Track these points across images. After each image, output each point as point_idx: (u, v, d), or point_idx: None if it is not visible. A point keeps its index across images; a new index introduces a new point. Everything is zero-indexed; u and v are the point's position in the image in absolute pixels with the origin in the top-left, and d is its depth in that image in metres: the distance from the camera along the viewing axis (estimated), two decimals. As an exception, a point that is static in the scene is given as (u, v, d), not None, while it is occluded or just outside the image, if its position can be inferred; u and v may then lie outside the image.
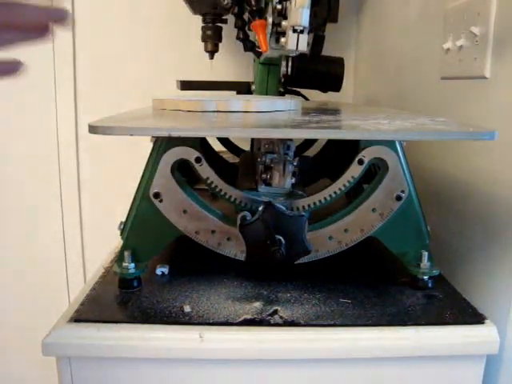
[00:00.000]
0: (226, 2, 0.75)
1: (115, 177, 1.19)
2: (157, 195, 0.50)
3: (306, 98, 0.95)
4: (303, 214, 0.50)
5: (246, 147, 0.87)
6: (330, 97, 0.97)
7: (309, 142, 0.82)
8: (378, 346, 0.45)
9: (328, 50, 0.78)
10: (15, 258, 1.22)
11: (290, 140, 0.53)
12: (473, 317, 0.47)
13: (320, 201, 0.52)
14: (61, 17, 0.36)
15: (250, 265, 0.52)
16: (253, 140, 0.82)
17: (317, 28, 0.67)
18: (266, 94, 0.85)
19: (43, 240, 1.22)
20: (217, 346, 0.44)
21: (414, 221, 0.52)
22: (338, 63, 0.85)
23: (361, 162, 0.50)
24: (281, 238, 0.49)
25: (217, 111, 0.55)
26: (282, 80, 0.85)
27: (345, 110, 0.71)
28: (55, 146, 1.17)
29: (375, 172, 0.52)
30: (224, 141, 0.86)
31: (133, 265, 0.51)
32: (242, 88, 0.91)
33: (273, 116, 0.54)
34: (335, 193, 0.51)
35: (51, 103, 1.15)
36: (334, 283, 0.54)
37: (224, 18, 0.86)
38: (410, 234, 0.53)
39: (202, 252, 0.52)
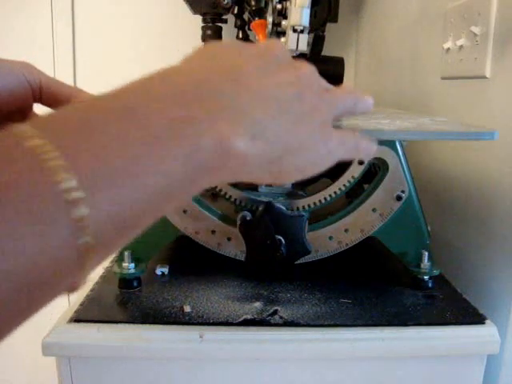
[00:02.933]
0: (225, 2, 0.75)
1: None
2: (157, 195, 0.50)
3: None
4: (303, 213, 0.50)
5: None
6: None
7: (309, 142, 0.82)
8: (378, 346, 0.45)
9: (328, 50, 0.78)
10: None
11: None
12: (473, 317, 0.47)
13: (320, 201, 0.52)
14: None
15: (250, 265, 0.52)
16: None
17: (317, 28, 0.66)
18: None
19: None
20: (217, 346, 0.44)
21: (414, 221, 0.52)
22: (338, 63, 0.85)
23: (361, 162, 0.50)
24: (281, 237, 0.49)
25: None
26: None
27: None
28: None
29: (375, 172, 0.52)
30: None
31: (133, 265, 0.51)
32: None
33: None
34: (335, 193, 0.51)
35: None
36: (334, 283, 0.54)
37: (224, 17, 0.86)
38: (410, 234, 0.52)
39: (202, 252, 0.52)
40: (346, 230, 0.52)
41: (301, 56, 0.70)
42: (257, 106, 0.24)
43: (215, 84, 0.23)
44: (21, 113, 0.36)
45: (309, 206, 0.52)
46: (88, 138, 0.18)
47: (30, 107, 0.36)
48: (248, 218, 0.49)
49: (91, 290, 0.51)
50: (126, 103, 0.20)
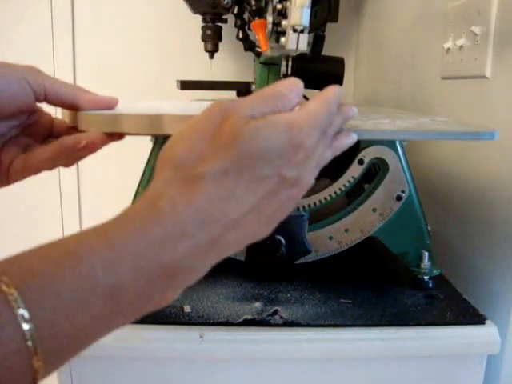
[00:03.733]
0: (225, 2, 0.75)
1: (115, 177, 1.19)
2: (157, 195, 0.50)
3: (307, 98, 0.94)
4: (303, 213, 0.50)
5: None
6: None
7: (309, 142, 0.82)
8: (378, 346, 0.45)
9: (328, 50, 0.78)
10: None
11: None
12: (474, 317, 0.47)
13: (320, 201, 0.51)
14: None
15: (250, 265, 0.52)
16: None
17: (317, 28, 0.66)
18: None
19: (43, 241, 1.21)
20: (217, 346, 0.44)
21: (414, 221, 0.52)
22: (339, 63, 0.85)
23: (361, 162, 0.50)
24: (281, 238, 0.49)
25: None
26: (282, 80, 0.85)
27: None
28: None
29: (375, 172, 0.52)
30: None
31: (133, 265, 0.51)
32: (242, 88, 0.91)
33: None
34: (335, 193, 0.51)
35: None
36: (334, 283, 0.54)
37: (224, 17, 0.86)
38: (411, 234, 0.52)
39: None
40: (346, 230, 0.52)
41: (301, 56, 0.71)
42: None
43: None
44: (24, 112, 0.37)
45: (309, 205, 0.52)
46: (44, 288, 0.23)
47: (34, 107, 0.37)
48: (248, 218, 0.49)
49: (91, 290, 0.51)
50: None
